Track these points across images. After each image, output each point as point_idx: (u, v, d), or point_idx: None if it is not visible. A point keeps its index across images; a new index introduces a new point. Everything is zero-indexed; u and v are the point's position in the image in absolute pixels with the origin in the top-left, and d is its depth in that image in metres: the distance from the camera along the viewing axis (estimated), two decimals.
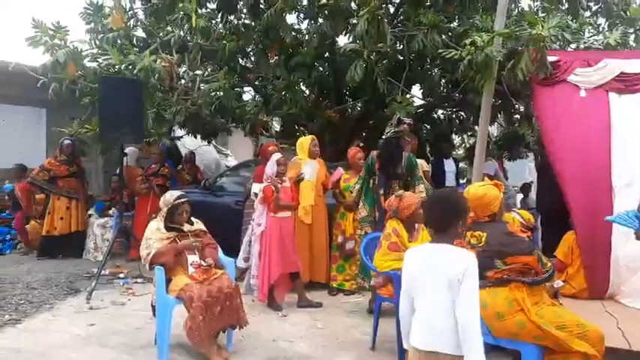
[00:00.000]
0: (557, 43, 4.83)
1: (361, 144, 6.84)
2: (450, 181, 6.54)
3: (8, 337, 3.56)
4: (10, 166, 7.69)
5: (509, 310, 2.37)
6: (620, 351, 2.86)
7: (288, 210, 4.43)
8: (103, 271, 4.91)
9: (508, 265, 2.39)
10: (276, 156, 4.47)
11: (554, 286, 2.67)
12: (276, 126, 8.19)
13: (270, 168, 4.40)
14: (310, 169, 4.79)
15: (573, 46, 5.28)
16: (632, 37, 5.73)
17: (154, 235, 3.31)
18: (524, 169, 9.75)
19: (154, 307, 3.35)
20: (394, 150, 4.31)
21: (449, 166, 6.67)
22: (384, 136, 4.36)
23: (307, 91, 7.12)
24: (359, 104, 7.12)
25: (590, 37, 5.67)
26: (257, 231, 4.46)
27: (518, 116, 7.86)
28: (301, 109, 6.56)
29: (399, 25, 5.93)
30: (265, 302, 4.32)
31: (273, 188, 4.30)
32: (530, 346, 2.36)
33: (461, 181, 6.64)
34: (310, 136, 5.02)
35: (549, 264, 2.43)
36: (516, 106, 7.02)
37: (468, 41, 4.32)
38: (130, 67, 5.27)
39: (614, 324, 3.07)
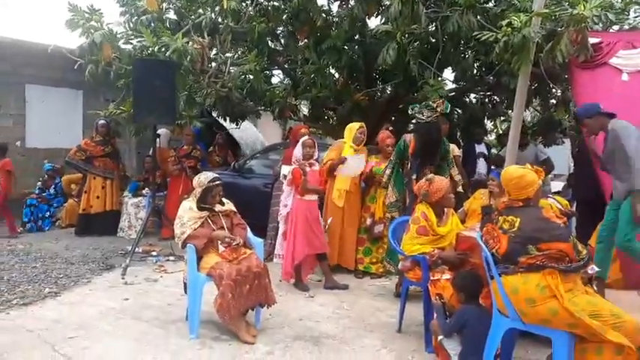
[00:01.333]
0: (600, 24, 4.61)
1: (390, 128, 6.77)
2: (481, 166, 6.42)
3: (49, 309, 3.74)
4: (49, 146, 8.01)
5: (541, 296, 2.32)
6: None
7: (315, 193, 4.45)
8: (136, 249, 5.08)
9: (542, 252, 2.33)
10: (303, 138, 4.48)
11: (589, 271, 2.60)
12: (305, 109, 8.18)
13: (298, 151, 4.41)
14: (355, 163, 4.67)
15: (616, 27, 5.03)
16: None
17: (187, 214, 3.39)
18: (562, 157, 9.37)
19: (185, 284, 3.44)
20: (436, 134, 4.20)
21: (481, 151, 6.54)
22: (422, 119, 4.19)
23: (337, 75, 7.06)
24: (389, 88, 7.03)
25: (637, 17, 5.38)
26: (283, 212, 4.51)
27: (554, 101, 7.59)
28: (330, 92, 6.53)
29: (433, 5, 5.78)
30: (289, 281, 4.38)
31: (302, 171, 4.33)
32: (562, 333, 2.31)
33: (493, 168, 6.49)
34: (359, 123, 4.96)
35: (584, 251, 2.37)
36: (553, 90, 6.78)
37: (504, 22, 4.18)
38: (163, 49, 5.34)
39: None
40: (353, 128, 4.87)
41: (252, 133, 9.89)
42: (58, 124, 8.25)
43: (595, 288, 2.90)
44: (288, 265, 4.36)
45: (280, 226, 4.66)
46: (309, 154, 4.41)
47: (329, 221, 4.63)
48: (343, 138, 4.96)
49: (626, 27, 4.91)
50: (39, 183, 7.41)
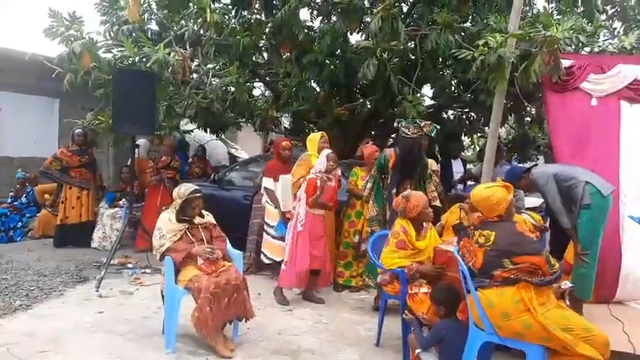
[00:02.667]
0: (572, 46, 4.79)
1: (370, 142, 6.85)
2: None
3: (20, 322, 3.63)
4: (23, 155, 7.82)
5: (515, 309, 2.37)
6: (625, 355, 2.87)
7: (323, 208, 4.40)
8: (111, 261, 4.98)
9: (516, 265, 2.39)
10: (326, 151, 4.46)
11: (562, 286, 2.67)
12: (286, 122, 8.22)
13: (321, 163, 4.38)
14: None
15: (587, 49, 5.24)
16: None
17: (166, 227, 3.35)
18: None
19: (163, 296, 3.39)
20: (418, 150, 4.27)
21: (457, 167, 6.65)
22: (404, 135, 4.26)
23: (318, 89, 7.13)
24: (369, 103, 7.13)
25: (605, 40, 5.62)
26: (293, 220, 4.42)
27: (529, 118, 7.81)
28: (311, 105, 6.58)
29: (412, 23, 5.93)
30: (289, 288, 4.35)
31: (319, 183, 4.30)
32: (535, 346, 2.37)
33: (469, 183, 6.62)
34: (319, 133, 5.02)
35: (557, 265, 2.43)
36: (527, 108, 6.99)
37: (481, 42, 4.31)
38: (144, 59, 5.32)
39: (619, 328, 3.08)
40: (315, 139, 4.88)
41: (220, 151, 9.76)
42: (33, 133, 8.07)
43: (567, 302, 2.97)
44: (288, 272, 4.27)
45: (288, 233, 4.46)
46: (332, 167, 4.40)
47: None
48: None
49: (596, 49, 5.11)
50: (11, 192, 7.23)
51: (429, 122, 4.29)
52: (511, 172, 3.86)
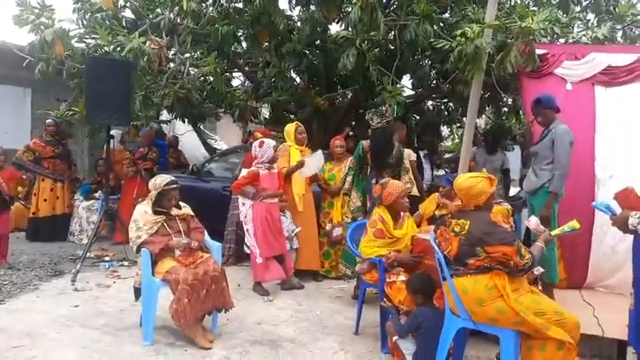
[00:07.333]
0: (547, 37, 4.86)
1: (350, 132, 6.86)
2: (427, 172, 6.52)
3: None
4: None
5: (489, 296, 2.42)
6: (594, 337, 2.96)
7: (274, 197, 4.44)
8: (88, 254, 4.89)
9: (488, 254, 2.43)
10: (272, 142, 4.48)
11: (534, 272, 2.72)
12: (266, 112, 8.16)
13: (266, 152, 4.38)
14: (315, 161, 4.67)
15: (562, 40, 5.33)
16: (620, 32, 5.79)
17: (143, 218, 3.30)
18: (513, 162, 9.70)
19: (136, 290, 3.36)
20: (387, 140, 4.30)
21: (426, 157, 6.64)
22: (372, 126, 4.33)
23: (297, 79, 7.09)
24: (349, 93, 7.12)
25: (580, 31, 5.72)
26: (244, 211, 4.46)
27: (505, 109, 7.92)
28: (291, 96, 6.55)
29: (392, 14, 5.92)
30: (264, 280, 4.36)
31: (260, 173, 4.31)
32: (509, 331, 2.42)
33: (436, 173, 6.67)
34: (294, 123, 5.00)
35: (528, 256, 2.46)
36: (504, 98, 7.08)
37: (458, 32, 4.33)
38: (119, 48, 5.20)
39: (590, 312, 3.17)
40: (291, 131, 4.89)
41: (194, 142, 9.62)
42: (4, 124, 7.84)
43: (540, 288, 3.04)
44: (259, 266, 4.30)
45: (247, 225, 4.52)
46: (276, 157, 4.45)
47: (297, 230, 4.63)
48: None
49: (570, 40, 5.20)
50: None
51: (389, 105, 4.33)
52: (549, 99, 3.77)
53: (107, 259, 5.26)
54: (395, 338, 2.86)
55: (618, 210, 2.44)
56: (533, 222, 2.80)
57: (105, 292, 4.25)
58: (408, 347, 2.84)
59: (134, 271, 4.37)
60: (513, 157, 6.56)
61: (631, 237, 2.37)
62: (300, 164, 4.62)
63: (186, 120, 7.53)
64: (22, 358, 2.89)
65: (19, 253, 5.49)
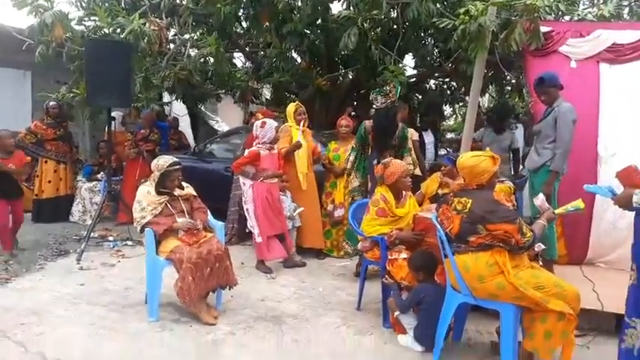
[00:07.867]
0: (552, 14, 4.80)
1: (353, 112, 6.83)
2: (429, 152, 6.49)
3: None
4: None
5: (490, 272, 2.45)
6: (593, 312, 3.00)
7: (275, 177, 4.45)
8: (92, 234, 4.94)
9: (490, 232, 2.45)
10: (274, 123, 4.49)
11: (535, 248, 2.75)
12: (267, 93, 8.12)
13: (267, 133, 4.39)
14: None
15: (567, 17, 5.26)
16: (627, 10, 5.71)
17: (146, 199, 3.32)
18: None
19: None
20: (391, 120, 4.28)
21: (428, 137, 6.61)
22: (375, 106, 4.29)
23: (299, 59, 7.04)
24: (350, 73, 7.07)
25: (585, 9, 5.64)
26: (244, 190, 4.48)
27: (509, 87, 7.86)
28: (292, 76, 6.50)
29: None
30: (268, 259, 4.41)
31: (261, 154, 4.31)
32: (509, 306, 2.45)
33: (440, 152, 6.65)
34: (295, 103, 4.98)
35: (529, 234, 2.48)
36: (508, 77, 7.02)
37: (462, 10, 4.28)
38: (119, 30, 5.16)
39: (590, 287, 3.19)
40: (290, 112, 4.88)
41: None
42: (4, 107, 7.81)
43: (541, 263, 3.07)
44: (261, 245, 4.35)
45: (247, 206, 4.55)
46: (277, 137, 4.47)
47: (299, 210, 4.66)
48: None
49: (576, 18, 5.13)
50: None
51: (393, 86, 4.31)
52: (554, 76, 3.73)
53: (111, 239, 5.31)
54: (396, 313, 2.91)
55: (619, 189, 2.44)
56: (540, 199, 2.82)
57: (110, 270, 4.30)
58: (409, 322, 2.89)
59: (138, 251, 4.44)
60: (516, 136, 6.54)
61: (631, 213, 2.38)
62: (298, 145, 4.63)
63: (186, 101, 7.53)
64: (30, 334, 2.95)
65: (25, 233, 5.53)
